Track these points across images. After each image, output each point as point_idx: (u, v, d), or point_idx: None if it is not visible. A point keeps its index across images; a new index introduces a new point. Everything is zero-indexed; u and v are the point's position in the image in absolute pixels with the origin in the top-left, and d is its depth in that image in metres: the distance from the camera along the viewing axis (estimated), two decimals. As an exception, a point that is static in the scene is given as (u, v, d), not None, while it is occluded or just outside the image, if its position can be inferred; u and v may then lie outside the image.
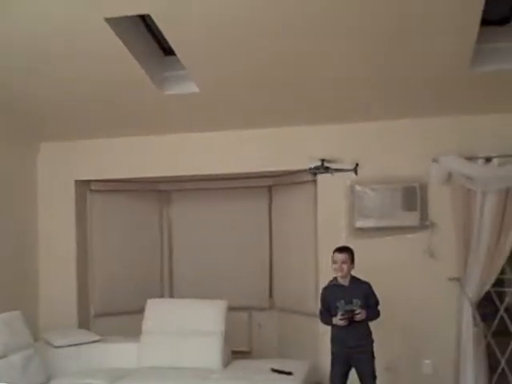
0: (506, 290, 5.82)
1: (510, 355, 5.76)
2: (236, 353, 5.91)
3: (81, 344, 5.60)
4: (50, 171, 6.41)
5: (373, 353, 4.72)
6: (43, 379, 5.09)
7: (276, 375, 5.14)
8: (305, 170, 5.94)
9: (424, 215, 5.61)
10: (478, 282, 5.46)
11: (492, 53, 4.62)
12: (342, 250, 4.77)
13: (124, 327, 6.04)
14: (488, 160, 5.45)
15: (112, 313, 6.41)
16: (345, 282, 4.74)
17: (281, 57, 4.51)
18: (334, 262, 4.72)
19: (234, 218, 6.73)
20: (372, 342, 4.74)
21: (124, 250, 6.66)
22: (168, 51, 4.92)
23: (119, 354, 5.62)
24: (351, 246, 4.86)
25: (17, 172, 6.13)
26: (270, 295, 6.67)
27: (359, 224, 5.69)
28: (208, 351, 5.43)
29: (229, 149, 6.06)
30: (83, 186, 6.49)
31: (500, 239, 5.43)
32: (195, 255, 6.79)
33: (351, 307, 4.59)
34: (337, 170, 5.65)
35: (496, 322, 5.78)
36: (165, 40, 4.51)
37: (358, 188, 5.68)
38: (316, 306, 5.87)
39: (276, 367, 5.25)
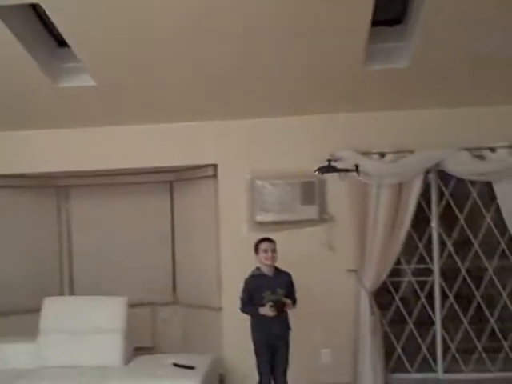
0: (401, 279, 6.08)
1: (405, 342, 6.03)
2: (139, 349, 5.82)
3: (-27, 346, 5.39)
4: None
5: (289, 339, 4.85)
6: None
7: (178, 370, 5.13)
8: (205, 166, 5.97)
9: (323, 209, 5.75)
10: (374, 273, 5.66)
11: (384, 52, 4.78)
12: (270, 239, 4.85)
13: (21, 327, 5.77)
14: (382, 155, 5.67)
15: (8, 312, 6.12)
16: (269, 271, 4.81)
17: (177, 52, 4.48)
18: (264, 251, 4.78)
19: (135, 214, 6.61)
20: (290, 328, 4.87)
21: (20, 248, 6.40)
22: (62, 42, 4.74)
23: (15, 354, 5.43)
24: (253, 240, 4.92)
25: None
26: (174, 290, 6.64)
27: (259, 218, 5.76)
28: (108, 348, 5.35)
29: (128, 143, 5.97)
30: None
31: (394, 231, 5.66)
32: (96, 251, 6.62)
33: (277, 297, 4.66)
34: (341, 170, 5.64)
35: (392, 310, 6.05)
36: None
37: (258, 183, 5.74)
38: (219, 299, 5.96)
39: (178, 362, 5.23)
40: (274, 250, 4.79)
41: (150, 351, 6.23)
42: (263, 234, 5.30)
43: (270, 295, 4.69)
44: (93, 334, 5.38)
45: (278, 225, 5.72)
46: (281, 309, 4.66)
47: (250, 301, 4.79)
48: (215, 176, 5.98)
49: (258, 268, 4.86)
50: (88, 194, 6.69)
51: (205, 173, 6.08)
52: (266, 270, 4.82)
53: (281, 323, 4.78)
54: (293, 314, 4.87)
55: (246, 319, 5.55)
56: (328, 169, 5.59)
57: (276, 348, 4.80)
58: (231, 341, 5.88)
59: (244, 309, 4.85)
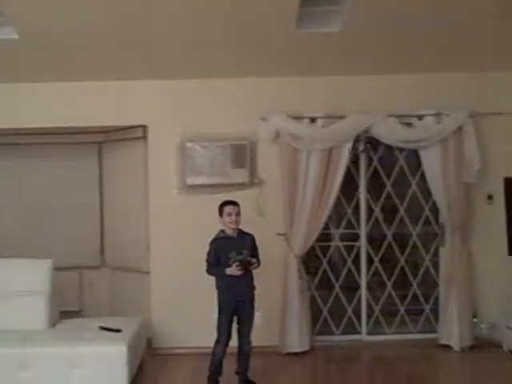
0: (329, 244, 6.20)
1: (331, 305, 6.16)
2: (66, 313, 5.73)
3: None
4: None
5: (254, 299, 4.88)
6: None
7: (104, 333, 5.08)
8: (135, 127, 5.87)
9: (253, 173, 5.77)
10: (302, 237, 5.74)
11: (317, 15, 4.76)
12: (234, 202, 4.83)
13: None
14: (313, 120, 5.71)
15: None
16: (234, 233, 4.81)
17: (107, 5, 4.32)
18: (229, 214, 4.76)
19: (63, 175, 6.46)
20: (255, 288, 4.88)
21: None
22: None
23: None
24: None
25: None
26: (102, 253, 6.56)
27: (190, 181, 5.72)
28: (32, 312, 5.18)
29: (55, 101, 5.79)
30: None
31: (323, 197, 5.73)
32: (20, 214, 6.44)
33: (242, 257, 4.67)
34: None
35: (319, 274, 6.16)
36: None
37: (188, 145, 5.68)
38: (147, 263, 5.91)
39: (105, 325, 5.17)
40: (238, 213, 4.80)
41: (77, 315, 6.16)
42: (194, 197, 5.32)
43: (235, 256, 4.71)
44: (16, 297, 5.20)
45: (208, 188, 5.71)
46: (247, 268, 4.69)
47: (217, 263, 4.77)
48: (145, 137, 5.88)
49: (222, 230, 4.85)
50: (13, 153, 6.45)
51: (134, 134, 5.97)
52: (230, 232, 4.82)
53: (247, 283, 4.81)
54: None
55: (174, 283, 5.61)
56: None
57: (241, 307, 4.83)
58: (159, 304, 5.86)
59: (210, 270, 4.82)
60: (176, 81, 5.67)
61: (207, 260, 4.82)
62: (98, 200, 6.50)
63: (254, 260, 4.75)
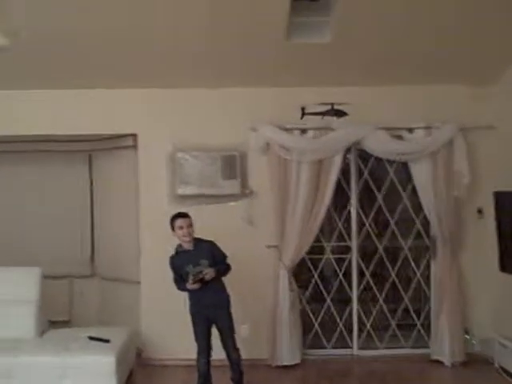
0: (320, 257, 6.18)
1: (322, 319, 6.13)
2: (55, 322, 5.72)
3: None
4: None
5: (229, 308, 4.82)
6: None
7: (93, 343, 5.05)
8: (125, 135, 5.90)
9: (244, 184, 5.77)
10: (293, 250, 5.72)
11: (307, 26, 4.80)
12: (184, 215, 4.77)
13: None
14: (303, 131, 5.72)
15: None
16: (190, 246, 4.75)
17: (101, 14, 4.36)
18: (180, 227, 4.70)
19: (53, 183, 6.47)
20: (227, 296, 4.84)
21: None
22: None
23: None
24: (173, 213, 4.87)
25: None
26: (92, 262, 6.55)
27: (180, 191, 5.72)
28: (20, 320, 5.19)
29: (45, 109, 5.79)
30: None
31: (314, 209, 5.72)
32: (12, 221, 6.44)
33: (201, 269, 4.60)
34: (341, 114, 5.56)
35: (310, 288, 6.14)
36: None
37: (179, 155, 5.70)
38: (137, 273, 5.91)
39: (94, 335, 5.15)
40: (189, 225, 4.73)
41: (66, 324, 6.14)
42: (184, 207, 5.28)
43: (192, 269, 4.64)
44: (4, 306, 5.20)
45: (199, 198, 5.71)
46: (201, 280, 4.63)
47: (181, 278, 4.73)
48: (135, 147, 5.89)
49: (179, 245, 4.82)
50: (3, 161, 6.45)
51: (125, 143, 5.99)
52: (186, 246, 4.78)
53: (212, 292, 4.74)
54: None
55: (164, 293, 5.56)
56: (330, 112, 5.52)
57: (215, 317, 4.80)
58: (149, 314, 5.85)
59: (178, 287, 4.81)
60: (166, 90, 5.69)
61: (173, 278, 4.81)
62: (89, 209, 6.50)
63: (205, 271, 4.62)
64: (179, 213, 4.81)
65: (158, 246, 5.61)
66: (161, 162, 5.78)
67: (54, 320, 5.70)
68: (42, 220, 6.43)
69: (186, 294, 4.84)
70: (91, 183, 6.51)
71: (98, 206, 6.49)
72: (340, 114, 5.49)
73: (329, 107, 5.47)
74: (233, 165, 5.69)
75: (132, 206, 5.94)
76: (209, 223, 5.22)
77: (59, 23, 4.47)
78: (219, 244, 4.85)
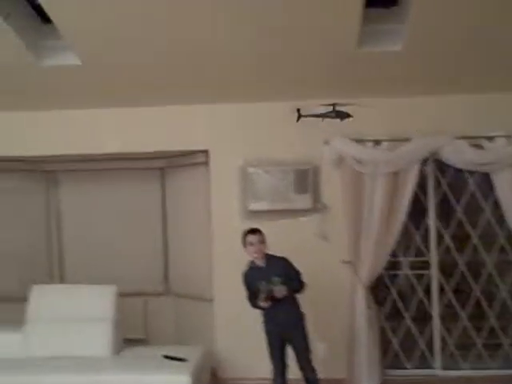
0: (398, 272, 5.96)
1: (402, 337, 5.89)
2: (131, 340, 5.73)
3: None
4: None
5: (304, 327, 4.70)
6: None
7: (168, 362, 5.02)
8: (197, 152, 5.89)
9: (316, 198, 5.65)
10: (369, 265, 5.54)
11: (379, 34, 4.63)
12: (255, 231, 4.70)
13: (8, 316, 5.61)
14: (377, 143, 5.56)
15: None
16: (262, 262, 4.68)
17: (168, 31, 4.35)
18: (251, 244, 4.64)
19: (126, 201, 6.51)
20: (301, 315, 4.72)
21: (8, 235, 6.30)
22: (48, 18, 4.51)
23: (1, 344, 5.32)
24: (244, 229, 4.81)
25: None
26: (166, 280, 6.53)
27: (252, 207, 5.66)
28: (97, 339, 5.24)
29: (117, 127, 5.86)
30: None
31: (390, 222, 5.53)
32: (87, 239, 6.52)
33: (272, 286, 4.51)
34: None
35: (389, 305, 5.91)
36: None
37: (250, 170, 5.64)
38: (211, 290, 5.87)
39: (170, 354, 5.12)
40: (260, 242, 4.66)
41: (141, 343, 6.14)
42: (256, 223, 5.21)
43: (265, 286, 4.54)
44: (81, 324, 5.28)
45: (271, 214, 5.63)
46: (272, 297, 4.53)
47: (254, 295, 4.64)
48: (207, 163, 5.88)
49: (252, 261, 4.74)
50: (77, 179, 6.58)
51: (196, 159, 5.98)
52: (258, 262, 4.70)
53: (286, 310, 4.64)
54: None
55: (238, 311, 5.47)
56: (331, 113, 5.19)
57: (290, 337, 4.69)
58: (223, 333, 5.79)
59: (251, 304, 4.72)
60: (237, 104, 5.67)
61: (246, 295, 4.72)
62: (161, 226, 6.50)
63: (277, 288, 4.50)
64: (250, 229, 4.75)
65: (230, 262, 5.53)
66: (232, 178, 5.74)
67: (130, 338, 5.70)
68: (117, 237, 6.48)
69: (260, 312, 4.75)
70: (163, 200, 6.51)
71: (170, 223, 6.48)
72: (342, 115, 5.17)
73: (330, 108, 5.15)
74: (305, 179, 5.58)
75: (204, 223, 5.90)
76: (281, 239, 5.13)
77: (133, 42, 4.49)
78: (292, 260, 4.74)
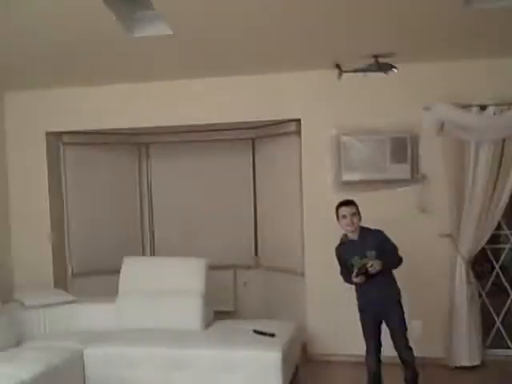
0: (502, 246, 5.59)
1: (504, 315, 5.55)
2: (221, 313, 5.68)
3: (54, 304, 5.33)
4: (18, 123, 6.06)
5: (400, 302, 4.44)
6: (11, 343, 4.82)
7: (258, 337, 4.90)
8: (288, 121, 5.68)
9: (415, 168, 5.33)
10: (471, 239, 5.22)
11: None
12: (348, 202, 4.45)
13: (104, 287, 5.70)
14: (483, 108, 5.14)
15: (91, 272, 6.17)
16: (355, 235, 4.44)
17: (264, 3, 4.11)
18: (343, 216, 4.40)
19: (216, 173, 6.45)
20: (397, 291, 4.46)
21: (101, 207, 6.38)
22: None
23: (95, 315, 5.36)
24: (338, 201, 4.57)
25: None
26: (256, 253, 6.43)
27: (346, 177, 5.41)
28: (187, 312, 5.16)
29: (208, 97, 5.73)
30: (55, 138, 6.16)
31: (495, 193, 5.17)
32: (177, 211, 6.52)
33: (366, 261, 4.26)
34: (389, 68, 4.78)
35: (491, 280, 5.57)
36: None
37: (344, 139, 5.37)
38: (302, 263, 5.72)
39: (259, 328, 4.99)
40: (354, 214, 4.39)
41: (230, 315, 6.10)
42: (350, 194, 4.95)
43: (357, 260, 4.30)
44: (171, 296, 5.23)
45: (365, 185, 5.36)
46: (366, 272, 4.27)
47: (347, 269, 4.42)
48: (298, 132, 5.65)
49: (345, 235, 4.50)
50: (168, 151, 6.57)
51: (287, 128, 5.78)
52: (351, 235, 4.45)
53: (380, 286, 4.36)
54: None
55: (331, 286, 5.28)
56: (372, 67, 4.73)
57: (384, 314, 4.42)
58: (314, 308, 5.62)
59: (344, 279, 4.50)
60: (329, 71, 5.18)
61: (340, 270, 4.50)
62: (252, 198, 6.38)
63: (370, 263, 4.22)
64: (343, 201, 4.49)
65: (322, 235, 5.36)
66: (325, 148, 5.49)
67: (219, 310, 5.64)
68: (208, 210, 6.44)
69: (353, 288, 4.51)
70: (254, 172, 6.38)
71: (260, 195, 6.35)
72: (386, 67, 4.65)
73: (372, 61, 4.62)
74: (403, 148, 5.25)
75: (295, 194, 5.72)
76: (376, 211, 4.88)
77: (223, 13, 4.27)
78: (388, 233, 4.44)
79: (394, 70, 4.68)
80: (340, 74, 4.84)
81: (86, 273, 6.20)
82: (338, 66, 4.80)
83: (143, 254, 6.60)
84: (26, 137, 6.04)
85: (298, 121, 5.64)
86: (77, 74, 5.53)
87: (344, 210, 4.41)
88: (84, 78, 5.67)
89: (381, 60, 4.62)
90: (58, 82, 5.78)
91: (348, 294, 4.61)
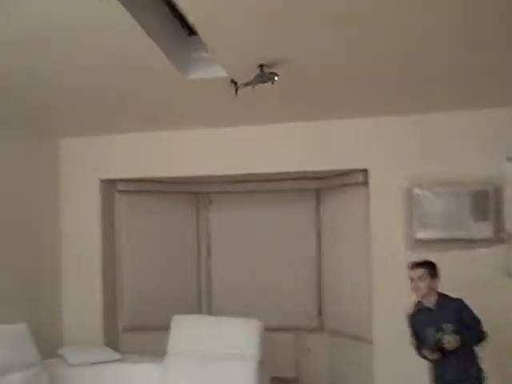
0: None
1: None
2: (280, 380, 5.24)
3: (99, 363, 5.06)
4: (73, 170, 5.88)
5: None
6: (52, 401, 4.57)
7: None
8: (355, 171, 5.24)
9: (499, 225, 4.74)
10: None
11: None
12: (417, 264, 4.02)
13: (156, 343, 5.25)
14: None
15: (142, 328, 5.81)
16: (430, 303, 3.96)
17: (323, 41, 3.71)
18: (411, 279, 3.98)
19: (277, 226, 6.06)
20: (479, 371, 3.92)
21: (156, 258, 6.06)
22: (193, 30, 4.14)
23: (141, 375, 5.05)
24: (410, 261, 4.07)
25: (34, 172, 5.59)
26: (320, 314, 5.92)
27: (420, 235, 4.88)
28: (239, 378, 4.72)
29: (270, 145, 5.41)
30: (109, 186, 5.95)
31: None
32: (236, 266, 6.15)
33: (442, 335, 3.79)
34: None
35: None
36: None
37: (416, 191, 4.87)
38: (370, 330, 5.15)
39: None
40: (421, 277, 3.93)
41: (291, 382, 5.58)
42: (424, 254, 4.43)
43: (433, 333, 3.82)
44: (222, 360, 4.81)
45: (442, 244, 4.80)
46: (442, 349, 3.76)
47: (421, 342, 3.94)
48: (366, 183, 5.21)
49: (419, 301, 4.04)
50: (228, 201, 6.27)
51: (354, 179, 5.35)
52: (426, 302, 3.97)
53: (457, 365, 3.86)
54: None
55: (402, 357, 4.67)
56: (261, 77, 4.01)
57: None
58: (383, 380, 5.01)
59: (417, 352, 4.03)
60: (397, 117, 4.96)
61: (411, 340, 4.01)
62: (316, 252, 5.94)
63: (447, 338, 3.73)
64: (414, 262, 4.05)
65: (394, 299, 4.80)
66: (395, 201, 5.00)
67: (278, 376, 5.19)
68: (267, 263, 6.04)
69: (427, 363, 4.00)
70: (318, 225, 5.96)
71: (325, 250, 5.90)
72: (265, 77, 4.00)
73: (257, 71, 3.97)
74: (484, 202, 4.70)
75: (363, 251, 5.22)
76: (454, 273, 4.33)
77: (275, 52, 3.87)
78: (468, 301, 3.93)
79: (275, 77, 4.03)
80: (236, 91, 4.29)
81: (137, 328, 5.85)
82: (233, 81, 4.27)
83: (198, 308, 6.23)
84: (80, 185, 5.85)
85: (366, 171, 5.19)
86: (128, 119, 5.33)
87: (411, 273, 3.98)
88: (138, 123, 5.46)
89: (265, 70, 4.03)
90: (112, 128, 5.60)
91: (421, 369, 4.07)
